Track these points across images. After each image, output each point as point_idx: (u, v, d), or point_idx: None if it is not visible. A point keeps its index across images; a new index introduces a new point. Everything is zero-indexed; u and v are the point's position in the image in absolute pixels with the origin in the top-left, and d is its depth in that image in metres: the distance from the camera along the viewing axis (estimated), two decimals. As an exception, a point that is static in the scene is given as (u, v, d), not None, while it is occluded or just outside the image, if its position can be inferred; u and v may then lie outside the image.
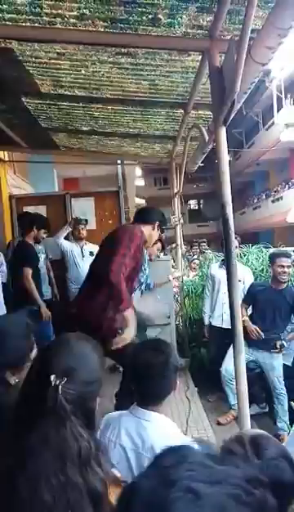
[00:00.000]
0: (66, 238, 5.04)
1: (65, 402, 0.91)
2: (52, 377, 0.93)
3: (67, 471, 0.86)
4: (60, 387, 0.92)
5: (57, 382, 0.92)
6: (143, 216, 2.95)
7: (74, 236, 5.01)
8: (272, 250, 5.44)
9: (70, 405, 0.92)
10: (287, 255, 3.82)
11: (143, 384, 1.56)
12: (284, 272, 3.67)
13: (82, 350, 1.07)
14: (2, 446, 0.94)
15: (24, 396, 0.99)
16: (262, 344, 3.74)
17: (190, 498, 0.41)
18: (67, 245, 4.97)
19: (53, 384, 0.92)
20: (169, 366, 1.55)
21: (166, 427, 1.53)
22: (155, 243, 3.65)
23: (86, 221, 5.03)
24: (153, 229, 2.91)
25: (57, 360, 1.00)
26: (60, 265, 5.07)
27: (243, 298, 3.97)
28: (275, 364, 3.76)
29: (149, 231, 2.88)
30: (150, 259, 3.60)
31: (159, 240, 3.64)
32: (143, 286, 3.86)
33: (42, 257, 4.61)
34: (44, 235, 4.51)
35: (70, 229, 4.98)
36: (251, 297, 3.93)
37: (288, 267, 3.70)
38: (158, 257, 4.38)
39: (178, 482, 0.43)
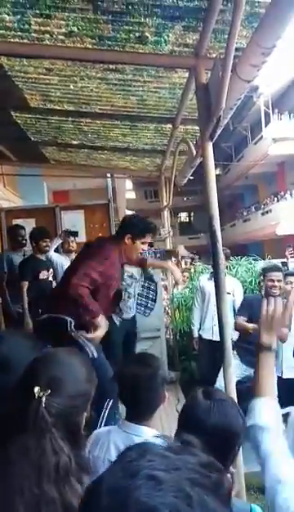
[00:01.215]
0: (56, 250, 5.03)
1: (47, 415, 0.90)
2: (36, 389, 0.92)
3: (43, 485, 0.84)
4: (44, 399, 0.91)
5: (41, 394, 0.91)
6: (124, 226, 2.87)
7: (64, 249, 4.99)
8: (262, 264, 5.50)
9: (52, 418, 0.90)
10: (278, 269, 3.84)
11: (131, 398, 1.55)
12: (275, 286, 3.67)
13: (70, 363, 1.05)
14: None
15: (6, 407, 0.97)
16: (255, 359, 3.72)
17: (152, 484, 0.45)
18: (56, 258, 4.94)
19: (36, 396, 0.91)
20: (156, 379, 1.54)
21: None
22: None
23: (77, 233, 5.02)
24: (128, 242, 2.75)
25: (42, 372, 0.99)
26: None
27: (238, 310, 3.97)
28: None
29: (126, 246, 2.76)
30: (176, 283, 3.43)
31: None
32: (143, 309, 3.90)
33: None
34: (45, 245, 4.49)
35: (60, 241, 4.96)
36: (247, 308, 3.91)
37: (279, 281, 3.70)
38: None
39: (140, 472, 0.46)
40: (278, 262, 4.66)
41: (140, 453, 0.50)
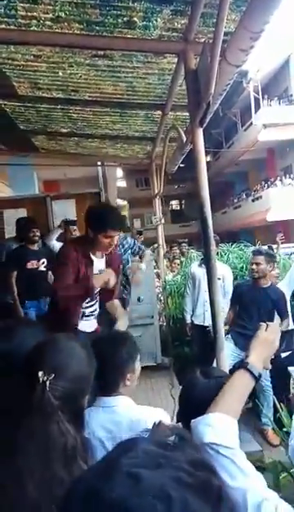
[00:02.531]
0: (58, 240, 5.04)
1: (53, 398, 0.93)
2: (40, 373, 0.95)
3: (53, 466, 0.87)
4: (48, 383, 0.94)
5: (45, 378, 0.94)
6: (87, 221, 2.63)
7: (67, 238, 4.99)
8: (252, 248, 5.57)
9: (58, 401, 0.93)
10: (258, 252, 3.94)
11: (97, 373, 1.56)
12: (253, 269, 3.85)
13: (71, 348, 1.09)
14: None
15: (11, 392, 1.00)
16: (249, 343, 3.79)
17: (129, 483, 0.41)
18: (57, 246, 4.96)
19: (41, 380, 0.94)
20: (120, 353, 1.59)
21: (134, 405, 1.57)
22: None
23: (76, 222, 5.03)
24: (92, 236, 2.54)
25: (45, 357, 1.02)
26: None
27: (231, 299, 4.06)
28: None
29: (94, 241, 2.56)
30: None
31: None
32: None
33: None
34: (32, 235, 4.50)
35: (61, 231, 4.97)
36: (236, 297, 4.01)
37: (257, 264, 3.80)
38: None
39: (119, 470, 0.43)
40: (265, 247, 4.77)
41: (124, 449, 0.47)
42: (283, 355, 3.85)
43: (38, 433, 0.90)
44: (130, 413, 1.51)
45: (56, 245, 4.89)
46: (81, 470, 0.89)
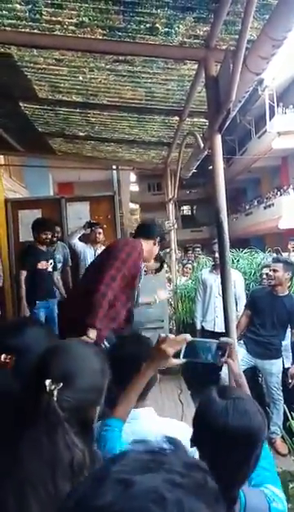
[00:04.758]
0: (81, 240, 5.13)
1: (59, 409, 0.86)
2: (47, 382, 0.88)
3: (57, 481, 0.81)
4: (55, 392, 0.87)
5: (52, 387, 0.87)
6: (144, 231, 2.84)
7: (90, 239, 5.05)
8: (262, 256, 5.60)
9: (64, 412, 0.87)
10: (277, 260, 3.95)
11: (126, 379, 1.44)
12: (270, 276, 3.83)
13: (83, 355, 1.01)
14: None
15: (17, 400, 0.93)
16: (261, 350, 3.78)
17: (120, 489, 0.40)
18: (81, 246, 5.04)
19: (48, 389, 0.87)
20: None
21: (157, 418, 1.52)
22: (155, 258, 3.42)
23: (100, 224, 5.15)
24: (155, 244, 2.80)
25: (55, 364, 0.94)
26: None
27: (245, 305, 4.06)
28: (274, 370, 3.79)
29: (150, 246, 2.77)
30: (145, 273, 3.32)
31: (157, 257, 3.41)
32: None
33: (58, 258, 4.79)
34: (45, 237, 4.56)
35: (83, 231, 5.03)
36: (251, 303, 3.99)
37: (275, 271, 3.77)
38: (156, 273, 4.38)
39: (108, 477, 0.42)
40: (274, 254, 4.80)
41: (114, 459, 0.46)
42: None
43: (43, 446, 0.84)
44: (153, 426, 1.43)
45: (78, 244, 4.98)
46: None
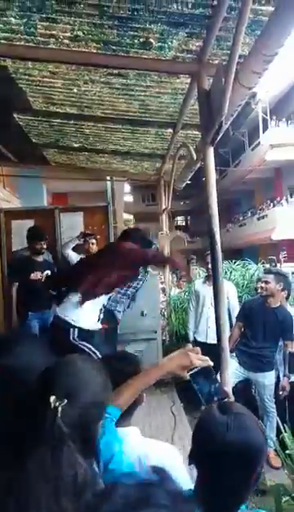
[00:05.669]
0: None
1: (63, 426, 0.86)
2: (52, 398, 0.87)
3: (60, 500, 0.80)
4: (60, 409, 0.87)
5: (57, 404, 0.87)
6: (126, 237, 3.01)
7: (83, 249, 5.04)
8: (255, 268, 5.61)
9: (69, 429, 0.86)
10: (268, 271, 3.97)
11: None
12: (262, 287, 3.82)
13: (87, 372, 1.01)
14: None
15: (20, 416, 0.92)
16: (254, 362, 3.76)
17: None
18: (74, 257, 5.01)
19: (52, 405, 0.87)
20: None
21: (142, 438, 1.49)
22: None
23: (94, 235, 5.11)
24: None
25: (59, 380, 0.94)
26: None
27: (237, 316, 4.04)
28: (266, 383, 3.77)
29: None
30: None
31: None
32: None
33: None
34: (40, 247, 4.53)
35: (78, 241, 5.02)
36: (243, 314, 3.98)
37: (266, 282, 3.76)
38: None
39: None
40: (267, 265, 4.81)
41: (102, 497, 0.47)
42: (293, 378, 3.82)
43: (46, 464, 0.83)
44: (137, 447, 1.40)
45: (71, 255, 4.95)
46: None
